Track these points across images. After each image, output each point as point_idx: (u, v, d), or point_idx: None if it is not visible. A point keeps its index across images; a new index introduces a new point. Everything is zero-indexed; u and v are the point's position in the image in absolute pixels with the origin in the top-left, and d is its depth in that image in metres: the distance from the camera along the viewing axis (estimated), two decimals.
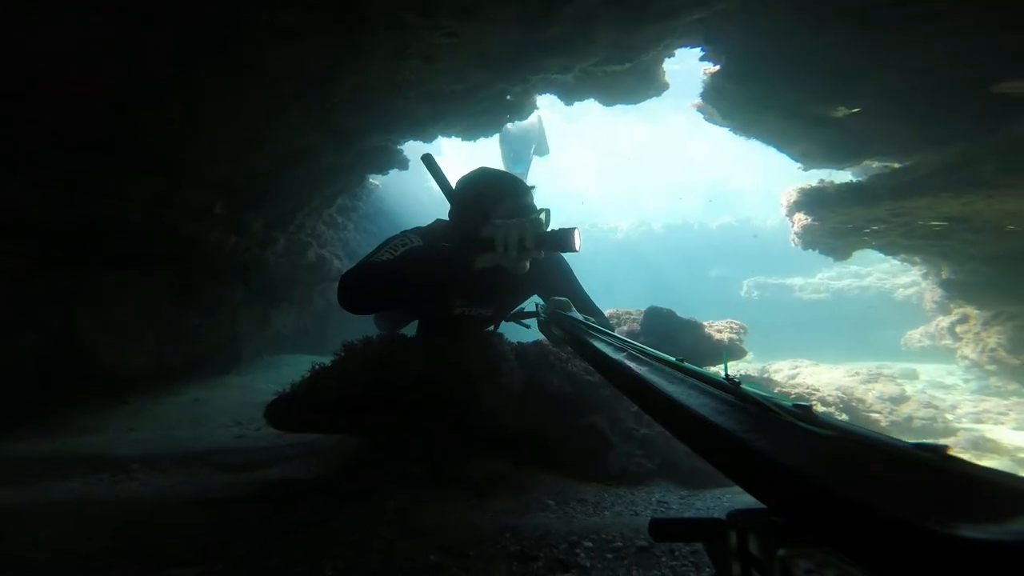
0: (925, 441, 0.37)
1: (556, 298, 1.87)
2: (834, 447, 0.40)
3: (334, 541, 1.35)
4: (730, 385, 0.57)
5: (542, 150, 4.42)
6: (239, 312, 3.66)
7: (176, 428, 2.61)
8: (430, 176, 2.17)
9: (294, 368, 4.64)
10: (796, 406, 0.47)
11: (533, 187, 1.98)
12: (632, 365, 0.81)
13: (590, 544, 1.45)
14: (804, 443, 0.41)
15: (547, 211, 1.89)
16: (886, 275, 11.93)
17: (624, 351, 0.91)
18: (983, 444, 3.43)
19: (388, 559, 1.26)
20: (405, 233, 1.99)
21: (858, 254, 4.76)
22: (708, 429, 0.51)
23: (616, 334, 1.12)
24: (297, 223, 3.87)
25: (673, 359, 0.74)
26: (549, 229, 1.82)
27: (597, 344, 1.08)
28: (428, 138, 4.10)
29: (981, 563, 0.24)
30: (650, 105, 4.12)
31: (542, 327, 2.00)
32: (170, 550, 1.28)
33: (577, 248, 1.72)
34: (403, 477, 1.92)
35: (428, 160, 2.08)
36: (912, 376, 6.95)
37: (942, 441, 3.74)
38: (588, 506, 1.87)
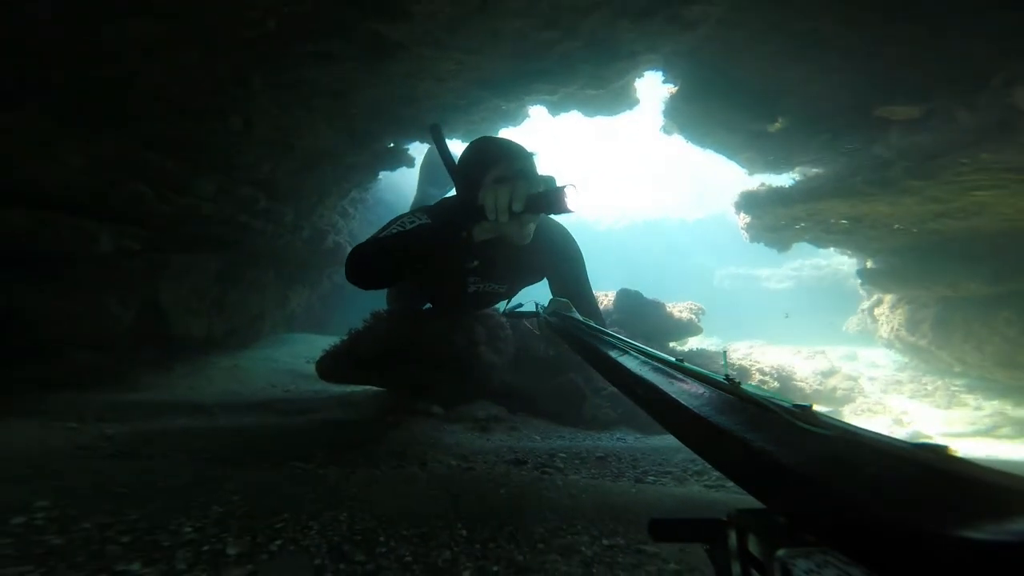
0: (925, 442, 0.36)
1: (557, 299, 1.92)
2: (834, 447, 0.39)
3: (384, 452, 1.78)
4: (730, 385, 0.56)
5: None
6: (267, 292, 4.20)
7: (229, 387, 3.08)
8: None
9: (305, 346, 5.16)
10: (796, 406, 0.47)
11: (534, 153, 1.86)
12: (632, 365, 0.81)
13: (564, 455, 2.01)
14: (804, 443, 0.41)
15: (551, 178, 1.77)
16: (841, 264, 12.87)
17: (624, 352, 0.91)
18: (874, 408, 4.02)
19: (422, 463, 1.71)
20: (413, 212, 1.95)
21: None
22: (708, 429, 0.51)
23: (615, 335, 1.10)
24: (318, 214, 4.42)
25: (673, 359, 0.74)
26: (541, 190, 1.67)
27: (597, 344, 1.08)
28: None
29: (981, 563, 0.24)
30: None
31: (542, 326, 2.05)
32: (280, 455, 1.64)
33: (570, 209, 1.57)
34: (427, 415, 2.45)
35: (435, 131, 1.98)
36: (852, 358, 7.40)
37: (847, 406, 4.43)
38: (565, 439, 2.42)
